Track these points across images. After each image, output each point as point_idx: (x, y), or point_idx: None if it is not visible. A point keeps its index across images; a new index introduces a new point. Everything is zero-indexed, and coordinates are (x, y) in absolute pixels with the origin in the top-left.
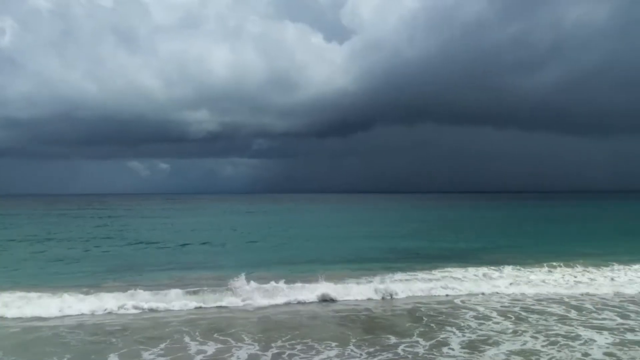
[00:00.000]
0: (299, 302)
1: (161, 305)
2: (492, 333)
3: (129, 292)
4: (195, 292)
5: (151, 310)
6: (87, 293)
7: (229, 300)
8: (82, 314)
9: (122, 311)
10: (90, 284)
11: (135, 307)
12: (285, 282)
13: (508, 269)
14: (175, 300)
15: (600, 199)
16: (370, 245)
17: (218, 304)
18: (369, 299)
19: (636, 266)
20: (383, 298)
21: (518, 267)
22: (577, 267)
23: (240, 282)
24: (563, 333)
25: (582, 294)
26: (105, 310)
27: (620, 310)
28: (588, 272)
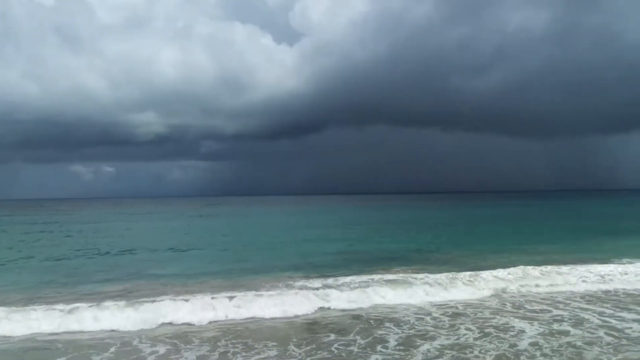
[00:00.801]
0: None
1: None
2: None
3: (60, 308)
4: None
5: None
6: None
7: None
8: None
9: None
10: (19, 299)
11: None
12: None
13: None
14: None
15: (541, 197)
16: (317, 249)
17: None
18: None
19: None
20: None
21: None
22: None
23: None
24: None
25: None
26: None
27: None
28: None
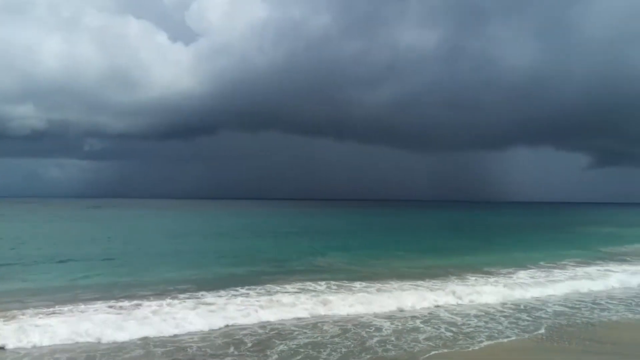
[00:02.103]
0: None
1: None
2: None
3: None
4: None
5: None
6: None
7: None
8: None
9: None
10: None
11: None
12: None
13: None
14: None
15: (426, 207)
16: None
17: None
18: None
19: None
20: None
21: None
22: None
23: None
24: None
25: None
26: None
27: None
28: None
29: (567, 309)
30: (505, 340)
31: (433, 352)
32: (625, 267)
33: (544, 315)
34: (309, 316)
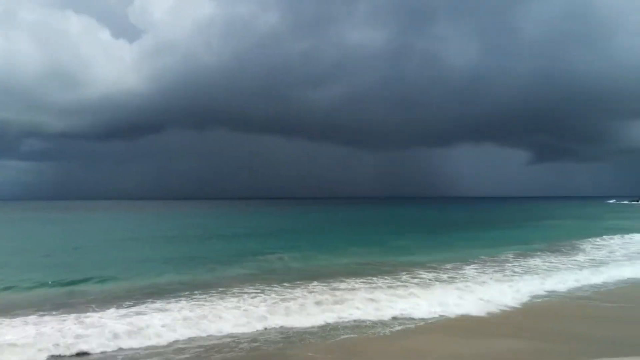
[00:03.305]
0: None
1: None
2: None
3: None
4: None
5: None
6: None
7: None
8: None
9: None
10: None
11: None
12: None
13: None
14: None
15: (374, 204)
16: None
17: None
18: None
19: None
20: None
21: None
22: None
23: None
24: None
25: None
26: None
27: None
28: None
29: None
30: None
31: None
32: (561, 257)
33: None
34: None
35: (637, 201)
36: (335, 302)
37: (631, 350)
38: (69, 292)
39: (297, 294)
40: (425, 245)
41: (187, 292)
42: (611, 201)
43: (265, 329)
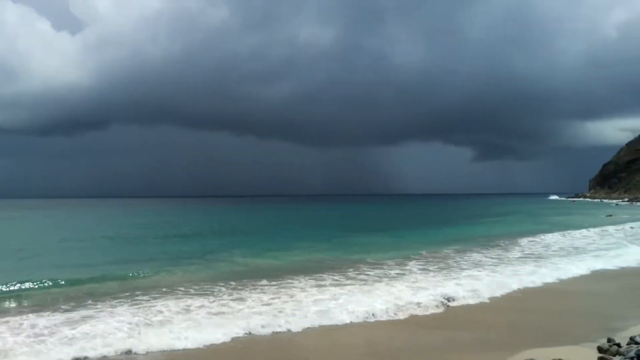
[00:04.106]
0: None
1: None
2: None
3: None
4: None
5: None
6: None
7: None
8: None
9: None
10: None
11: None
12: None
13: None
14: None
15: (323, 201)
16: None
17: None
18: None
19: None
20: None
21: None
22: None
23: None
24: None
25: None
26: None
27: None
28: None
29: None
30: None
31: None
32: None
33: None
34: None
35: (575, 197)
36: (284, 302)
37: (565, 339)
38: None
39: (244, 294)
40: (371, 242)
41: (128, 294)
42: (553, 197)
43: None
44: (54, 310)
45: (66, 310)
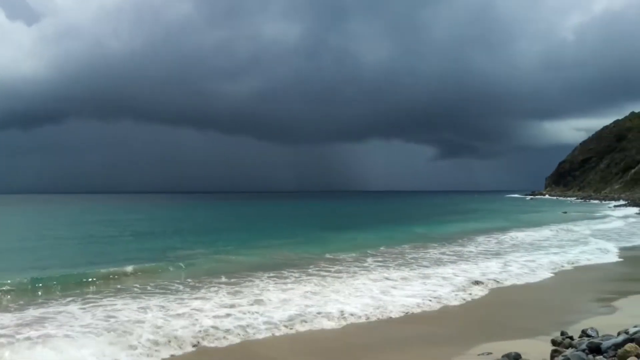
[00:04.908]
0: None
1: None
2: None
3: None
4: None
5: None
6: None
7: None
8: None
9: None
10: None
11: None
12: None
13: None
14: None
15: (286, 198)
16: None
17: None
18: None
19: None
20: None
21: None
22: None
23: None
24: None
25: None
26: None
27: None
28: None
29: None
30: None
31: None
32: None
33: None
34: None
35: (533, 195)
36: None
37: (521, 333)
38: None
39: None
40: (332, 238)
41: (78, 291)
42: (512, 195)
43: None
44: None
45: None
